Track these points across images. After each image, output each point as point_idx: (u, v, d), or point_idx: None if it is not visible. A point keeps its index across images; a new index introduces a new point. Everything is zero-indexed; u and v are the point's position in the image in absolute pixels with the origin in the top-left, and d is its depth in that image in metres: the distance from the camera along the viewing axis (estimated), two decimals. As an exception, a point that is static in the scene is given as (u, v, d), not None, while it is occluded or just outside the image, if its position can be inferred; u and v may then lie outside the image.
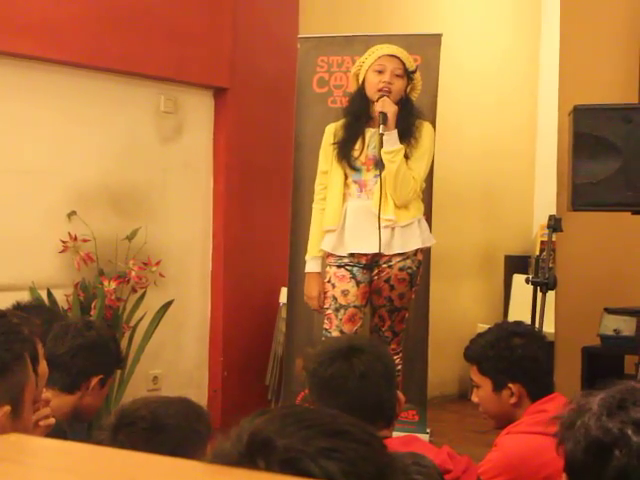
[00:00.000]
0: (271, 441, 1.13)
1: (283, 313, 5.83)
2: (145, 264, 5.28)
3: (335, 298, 4.43)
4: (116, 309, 5.06)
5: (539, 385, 2.94)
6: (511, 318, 7.42)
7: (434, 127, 5.44)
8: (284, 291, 5.76)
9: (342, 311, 4.42)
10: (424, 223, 4.52)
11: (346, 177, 4.47)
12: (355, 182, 4.45)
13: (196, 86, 5.85)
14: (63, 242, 5.10)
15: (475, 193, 7.60)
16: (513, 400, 2.93)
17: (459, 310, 7.38)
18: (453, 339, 7.18)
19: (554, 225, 4.57)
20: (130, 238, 5.31)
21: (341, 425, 1.19)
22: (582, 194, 4.29)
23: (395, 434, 2.57)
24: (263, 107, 6.03)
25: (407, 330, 5.12)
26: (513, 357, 2.93)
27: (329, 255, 4.49)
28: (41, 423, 2.38)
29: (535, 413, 2.86)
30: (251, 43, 6.00)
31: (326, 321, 4.48)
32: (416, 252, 4.43)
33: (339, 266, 4.44)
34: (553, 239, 4.81)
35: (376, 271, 4.42)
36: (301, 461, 1.11)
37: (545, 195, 7.28)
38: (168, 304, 5.34)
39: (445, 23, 6.91)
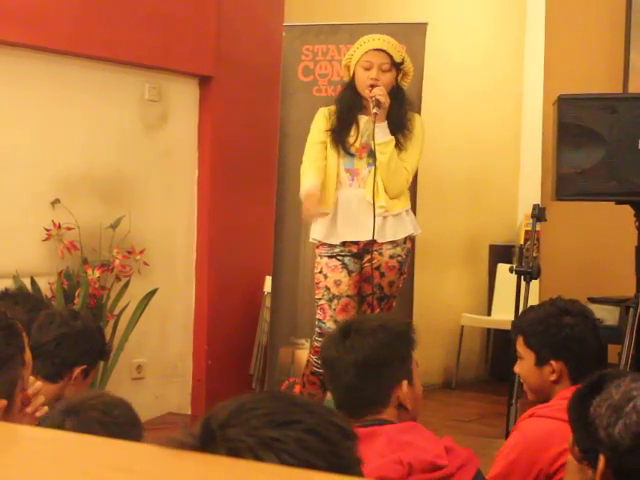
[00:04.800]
0: (215, 431, 1.14)
1: (267, 302, 5.83)
2: (129, 252, 5.27)
3: (328, 288, 4.44)
4: (100, 298, 5.05)
5: (582, 367, 2.89)
6: (495, 307, 7.45)
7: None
8: (268, 280, 5.76)
9: (335, 301, 4.43)
10: (411, 213, 4.58)
11: (339, 164, 4.50)
12: (347, 170, 4.47)
13: (181, 74, 5.83)
14: (47, 230, 5.08)
15: (460, 183, 7.61)
16: (553, 377, 2.92)
17: (443, 299, 7.40)
18: (437, 328, 7.20)
19: (538, 214, 4.58)
20: (114, 226, 5.30)
21: (297, 414, 1.18)
22: (566, 184, 4.30)
23: None
24: (248, 96, 6.02)
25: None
26: (560, 335, 2.92)
27: (320, 245, 4.50)
28: (38, 414, 2.38)
29: (565, 399, 2.83)
30: (236, 31, 5.98)
31: (319, 311, 4.48)
32: (405, 240, 4.46)
33: (330, 256, 4.46)
34: (537, 228, 4.83)
35: (367, 258, 4.44)
36: (240, 451, 1.11)
37: (530, 185, 7.30)
38: (152, 293, 5.32)
39: (430, 12, 6.90)
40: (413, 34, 5.45)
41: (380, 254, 4.42)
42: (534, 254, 4.72)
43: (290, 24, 5.66)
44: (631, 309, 4.31)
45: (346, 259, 4.44)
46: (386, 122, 4.37)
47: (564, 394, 2.84)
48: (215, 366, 5.95)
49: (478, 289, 7.75)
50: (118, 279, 5.23)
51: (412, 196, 5.47)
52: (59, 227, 5.10)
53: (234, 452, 1.11)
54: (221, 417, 1.16)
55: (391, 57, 4.43)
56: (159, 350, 5.79)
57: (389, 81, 4.44)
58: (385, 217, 4.42)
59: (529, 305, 3.13)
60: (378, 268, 4.43)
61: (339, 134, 4.46)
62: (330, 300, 4.44)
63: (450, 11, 7.49)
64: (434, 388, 7.18)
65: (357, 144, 4.43)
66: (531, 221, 4.68)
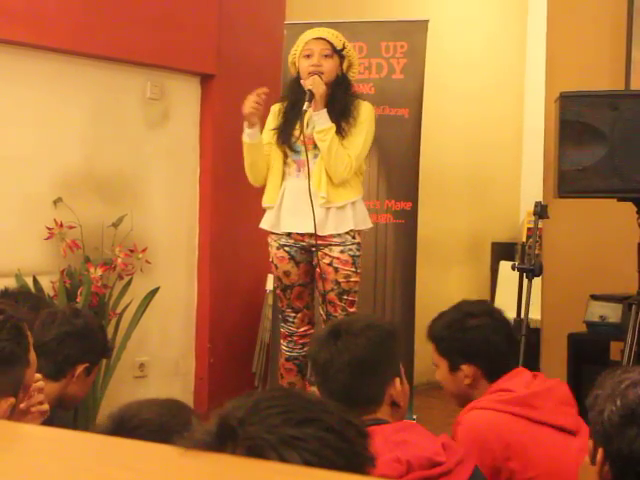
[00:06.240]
0: (236, 428, 1.13)
1: (269, 300, 5.83)
2: (131, 251, 5.27)
3: (280, 279, 4.61)
4: (102, 296, 5.05)
5: (495, 367, 2.89)
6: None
7: (420, 114, 5.46)
8: (270, 278, 5.76)
9: (289, 291, 4.60)
10: (360, 205, 4.57)
11: (286, 156, 4.55)
12: (294, 162, 4.53)
13: (183, 72, 5.83)
14: (49, 229, 5.08)
15: (462, 180, 7.61)
16: (467, 381, 2.91)
17: (446, 297, 7.36)
18: (440, 326, 7.20)
19: (540, 212, 4.57)
20: (116, 225, 5.30)
21: (314, 412, 1.17)
22: (568, 181, 4.29)
23: None
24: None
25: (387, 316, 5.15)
26: (466, 339, 2.90)
27: (270, 234, 4.59)
28: (33, 409, 2.38)
29: (498, 391, 2.82)
30: (238, 29, 5.98)
31: (278, 299, 4.71)
32: (354, 235, 4.48)
33: (278, 247, 4.56)
34: (539, 226, 4.82)
35: (319, 255, 4.49)
36: (262, 449, 1.10)
37: (532, 182, 7.29)
38: (154, 291, 5.33)
39: (431, 9, 6.90)
40: (414, 32, 5.45)
41: (330, 249, 4.46)
42: (536, 251, 4.72)
43: (291, 22, 5.66)
44: (634, 306, 4.30)
45: (292, 250, 4.53)
46: (325, 110, 4.41)
47: (494, 388, 2.85)
48: (217, 364, 5.95)
49: (480, 286, 7.75)
50: (120, 277, 5.23)
51: (414, 194, 5.48)
52: (61, 226, 5.10)
53: (254, 450, 1.10)
54: (238, 415, 1.15)
55: (331, 44, 4.51)
56: (161, 348, 5.79)
57: (331, 67, 4.51)
58: (328, 209, 4.45)
59: (447, 309, 3.12)
60: (331, 264, 4.48)
61: (284, 132, 4.53)
62: (284, 290, 4.61)
63: (451, 8, 7.48)
64: (437, 385, 7.16)
65: (302, 137, 4.48)
66: (533, 218, 4.68)
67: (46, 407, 2.44)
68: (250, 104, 4.47)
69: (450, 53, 7.28)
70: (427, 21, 5.46)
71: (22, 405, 2.31)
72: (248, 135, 4.52)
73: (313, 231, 4.42)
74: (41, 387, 2.44)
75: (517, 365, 2.97)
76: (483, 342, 2.90)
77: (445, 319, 3.01)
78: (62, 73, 5.24)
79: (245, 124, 4.51)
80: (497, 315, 3.03)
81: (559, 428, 2.73)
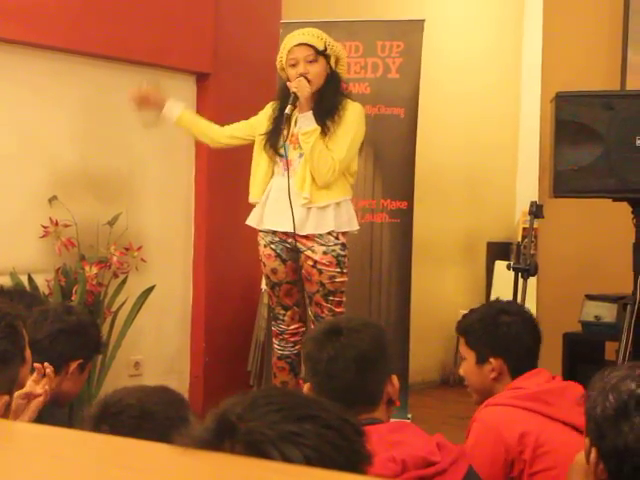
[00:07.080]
0: (235, 424, 1.13)
1: (265, 299, 5.82)
2: (127, 249, 5.27)
3: (268, 276, 4.65)
4: (97, 294, 5.05)
5: (520, 364, 3.00)
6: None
7: (416, 113, 5.46)
8: (266, 277, 5.76)
9: (277, 288, 4.64)
10: (346, 206, 4.56)
11: (275, 154, 4.59)
12: (281, 160, 4.54)
13: (178, 71, 5.82)
14: (44, 227, 5.07)
15: (458, 180, 7.61)
16: (493, 375, 3.00)
17: (441, 297, 7.40)
18: (435, 325, 7.21)
19: (535, 212, 4.58)
20: (111, 223, 5.29)
21: (312, 410, 1.17)
22: (564, 181, 4.30)
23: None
24: (245, 92, 6.01)
25: (385, 315, 5.15)
26: (497, 333, 3.01)
27: (259, 232, 4.64)
28: (23, 402, 2.37)
29: (514, 389, 2.93)
30: (234, 28, 5.97)
31: (268, 297, 4.78)
32: (337, 235, 4.48)
33: (265, 245, 4.60)
34: (535, 226, 4.83)
35: (302, 258, 4.50)
36: (263, 445, 1.10)
37: (527, 182, 7.30)
38: (149, 290, 5.32)
39: (427, 9, 6.90)
40: (410, 31, 5.45)
41: (313, 251, 4.47)
42: (531, 251, 4.73)
43: (287, 21, 5.65)
44: (629, 306, 4.31)
45: (279, 249, 4.57)
46: (311, 112, 4.44)
47: (514, 384, 2.97)
48: (212, 363, 5.94)
49: (476, 286, 7.75)
50: (115, 276, 5.22)
51: (409, 194, 5.48)
52: (56, 224, 5.09)
53: (254, 446, 1.10)
54: (237, 411, 1.15)
55: (314, 48, 4.50)
56: (156, 347, 5.79)
57: (319, 71, 4.51)
58: (309, 209, 4.47)
59: (480, 305, 3.26)
60: (315, 265, 4.48)
61: (272, 138, 4.55)
62: (272, 287, 4.66)
63: (447, 8, 7.49)
64: (432, 385, 7.19)
65: (289, 136, 4.50)
66: (529, 218, 4.68)
67: (40, 400, 2.43)
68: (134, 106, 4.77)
69: (446, 53, 7.28)
70: (423, 21, 5.46)
71: (16, 393, 2.31)
72: (166, 120, 4.85)
73: (292, 230, 4.44)
74: (36, 389, 2.44)
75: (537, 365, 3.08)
76: (514, 338, 3.02)
77: (477, 314, 3.14)
78: (57, 71, 5.23)
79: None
80: (528, 316, 3.17)
81: (573, 427, 2.78)
